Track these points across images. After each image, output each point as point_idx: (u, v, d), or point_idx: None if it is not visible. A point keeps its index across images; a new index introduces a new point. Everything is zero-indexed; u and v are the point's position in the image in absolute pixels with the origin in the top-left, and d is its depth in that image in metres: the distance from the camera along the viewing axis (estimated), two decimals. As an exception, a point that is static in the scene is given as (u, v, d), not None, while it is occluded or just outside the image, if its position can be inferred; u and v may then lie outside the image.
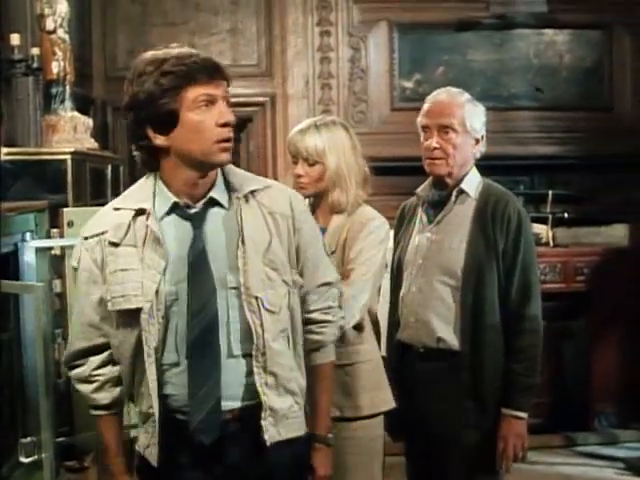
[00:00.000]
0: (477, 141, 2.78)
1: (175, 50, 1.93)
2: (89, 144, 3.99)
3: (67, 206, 3.33)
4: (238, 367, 1.97)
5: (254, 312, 1.95)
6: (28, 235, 2.86)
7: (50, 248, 2.89)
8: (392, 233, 2.90)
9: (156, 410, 1.96)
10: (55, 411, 2.60)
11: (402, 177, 4.95)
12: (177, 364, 1.96)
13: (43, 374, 2.52)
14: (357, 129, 3.10)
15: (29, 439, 2.57)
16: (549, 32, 5.64)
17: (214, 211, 1.98)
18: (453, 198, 2.77)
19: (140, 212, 1.96)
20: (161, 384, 1.97)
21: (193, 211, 1.97)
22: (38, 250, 2.79)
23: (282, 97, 5.60)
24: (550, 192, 5.26)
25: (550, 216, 5.36)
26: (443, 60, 5.52)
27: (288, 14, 5.49)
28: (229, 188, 2.01)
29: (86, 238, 2.01)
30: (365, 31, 5.51)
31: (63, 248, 2.85)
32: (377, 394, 2.72)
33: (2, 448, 2.71)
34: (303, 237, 2.06)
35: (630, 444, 5.19)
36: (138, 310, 1.92)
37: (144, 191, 1.99)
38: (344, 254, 2.67)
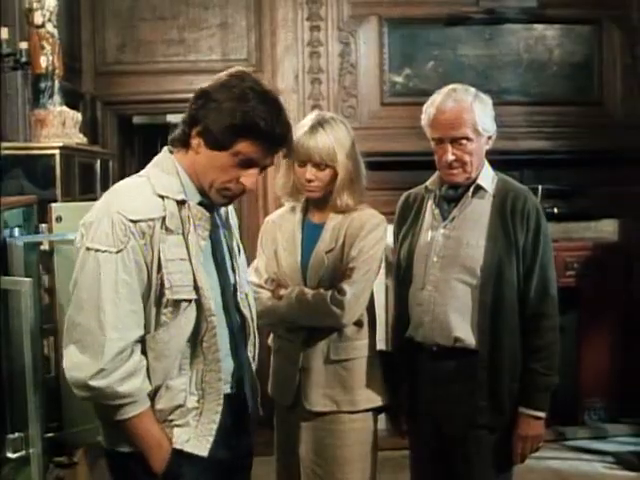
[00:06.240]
0: (489, 137, 2.71)
1: None
2: (78, 139, 3.96)
3: (56, 201, 3.32)
4: None
5: (246, 307, 2.22)
6: (16, 230, 2.84)
7: (39, 243, 2.88)
8: (389, 227, 2.81)
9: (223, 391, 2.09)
10: (44, 406, 2.59)
11: (392, 172, 4.95)
12: None
13: (31, 369, 2.51)
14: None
15: (17, 434, 2.56)
16: (539, 27, 5.63)
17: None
18: (470, 194, 2.69)
19: None
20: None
21: None
22: (26, 245, 2.78)
23: (272, 92, 5.57)
24: (540, 187, 5.24)
25: (540, 211, 5.36)
26: (433, 55, 5.50)
27: (278, 9, 5.47)
28: None
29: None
30: (355, 26, 5.50)
31: (52, 243, 2.84)
32: (373, 389, 2.72)
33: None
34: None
35: (619, 438, 5.22)
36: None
37: None
38: (343, 252, 2.67)
